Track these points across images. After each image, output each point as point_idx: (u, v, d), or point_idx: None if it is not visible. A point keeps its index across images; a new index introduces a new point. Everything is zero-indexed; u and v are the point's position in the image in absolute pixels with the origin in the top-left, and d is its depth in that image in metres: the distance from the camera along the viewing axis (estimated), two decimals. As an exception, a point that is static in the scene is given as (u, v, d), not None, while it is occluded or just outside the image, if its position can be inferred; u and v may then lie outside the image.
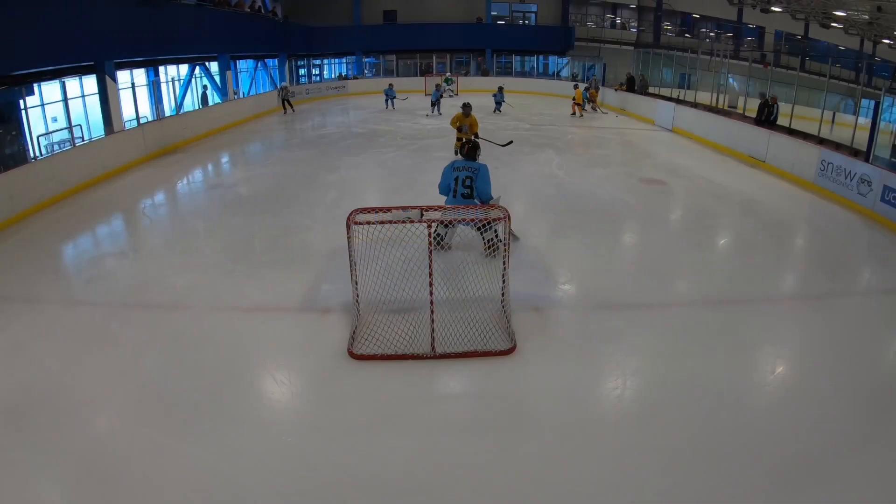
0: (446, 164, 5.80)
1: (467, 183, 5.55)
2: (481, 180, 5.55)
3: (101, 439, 3.33)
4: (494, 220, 4.22)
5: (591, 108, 17.88)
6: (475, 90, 23.08)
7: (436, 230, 5.39)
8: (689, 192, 8.77)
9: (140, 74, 13.98)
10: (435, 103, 17.12)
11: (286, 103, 17.58)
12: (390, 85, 19.10)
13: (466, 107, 10.06)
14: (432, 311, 4.07)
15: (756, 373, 4.02)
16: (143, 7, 11.93)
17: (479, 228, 5.27)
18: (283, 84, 19.48)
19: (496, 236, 5.20)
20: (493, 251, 5.25)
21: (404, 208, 4.15)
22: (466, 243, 5.94)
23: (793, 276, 5.92)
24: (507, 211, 4.21)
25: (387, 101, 18.67)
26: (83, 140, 11.13)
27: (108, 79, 11.13)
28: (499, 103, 17.56)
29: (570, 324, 4.61)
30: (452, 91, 22.20)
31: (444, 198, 5.74)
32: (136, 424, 3.44)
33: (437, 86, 18.15)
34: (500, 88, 17.67)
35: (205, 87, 17.15)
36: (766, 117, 11.17)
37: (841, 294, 5.35)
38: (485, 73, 25.31)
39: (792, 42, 21.76)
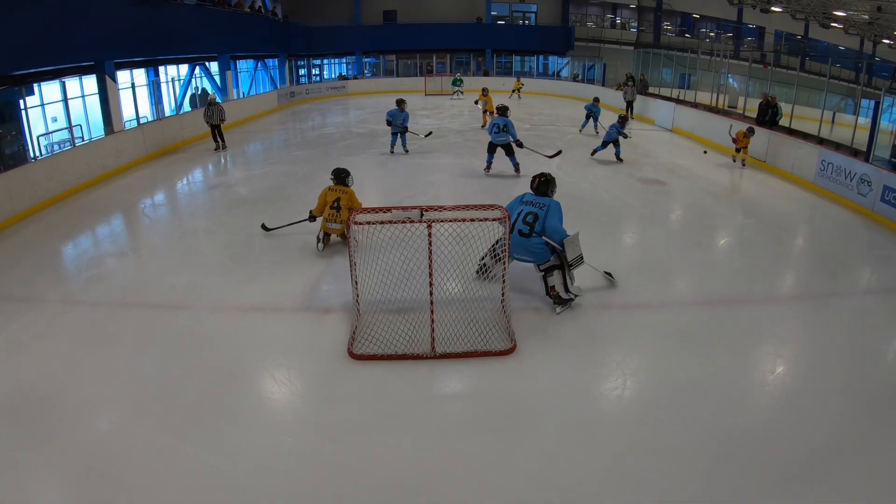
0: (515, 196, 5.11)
1: (528, 220, 4.78)
2: (551, 217, 4.76)
3: (101, 439, 3.33)
4: (493, 219, 4.21)
5: (739, 160, 10.41)
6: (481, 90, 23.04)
7: (483, 260, 5.06)
8: (689, 192, 8.76)
9: (140, 74, 13.98)
10: (510, 150, 9.07)
11: (216, 132, 11.68)
12: (400, 104, 10.63)
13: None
14: (432, 311, 4.07)
15: (756, 373, 4.02)
16: (143, 7, 11.94)
17: (542, 271, 4.77)
18: (212, 97, 12.14)
19: (564, 286, 4.71)
20: (559, 303, 4.72)
21: (404, 208, 4.15)
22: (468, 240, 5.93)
23: (793, 276, 5.92)
24: (507, 213, 4.21)
25: (396, 137, 10.94)
26: (83, 140, 11.12)
27: (108, 79, 11.13)
28: (591, 117, 13.31)
29: (570, 324, 4.61)
30: (461, 93, 21.65)
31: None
32: (135, 424, 3.44)
33: (501, 111, 9.49)
34: (596, 99, 13.76)
35: (195, 88, 16.98)
36: (769, 118, 11.17)
37: (841, 294, 5.36)
38: (486, 73, 25.31)
39: (792, 42, 21.78)
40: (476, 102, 14.60)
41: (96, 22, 10.54)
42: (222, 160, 11.38)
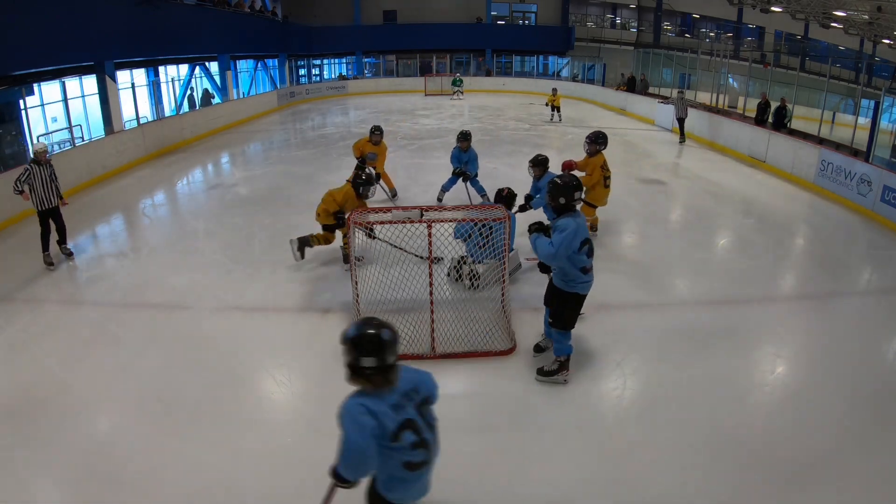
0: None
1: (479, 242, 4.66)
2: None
3: (102, 439, 3.33)
4: (495, 219, 4.22)
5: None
6: (481, 90, 23.02)
7: (456, 265, 5.19)
8: (689, 192, 8.77)
9: (140, 74, 13.97)
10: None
11: (51, 220, 5.86)
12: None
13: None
14: (432, 311, 4.07)
15: (756, 373, 4.02)
16: (142, 7, 11.93)
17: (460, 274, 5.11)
18: (39, 148, 5.75)
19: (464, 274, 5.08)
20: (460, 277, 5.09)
21: (404, 208, 4.15)
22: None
23: (793, 276, 5.91)
24: (506, 211, 4.21)
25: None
26: (83, 140, 11.12)
27: (108, 79, 11.13)
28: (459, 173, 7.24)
29: (570, 324, 4.60)
30: (461, 93, 21.52)
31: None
32: (136, 424, 3.44)
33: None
34: (465, 136, 7.14)
35: (193, 89, 16.90)
36: (777, 120, 11.17)
37: (841, 294, 5.35)
38: (487, 73, 25.30)
39: (792, 42, 21.78)
40: None
41: (96, 22, 10.54)
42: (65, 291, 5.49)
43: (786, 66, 17.43)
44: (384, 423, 2.02)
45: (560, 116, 15.70)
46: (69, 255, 6.12)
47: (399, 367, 2.15)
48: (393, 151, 11.33)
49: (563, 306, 3.63)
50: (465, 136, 7.12)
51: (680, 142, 12.53)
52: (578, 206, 3.50)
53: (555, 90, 16.08)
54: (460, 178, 7.27)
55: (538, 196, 5.70)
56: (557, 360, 3.79)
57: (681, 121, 12.45)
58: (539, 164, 5.71)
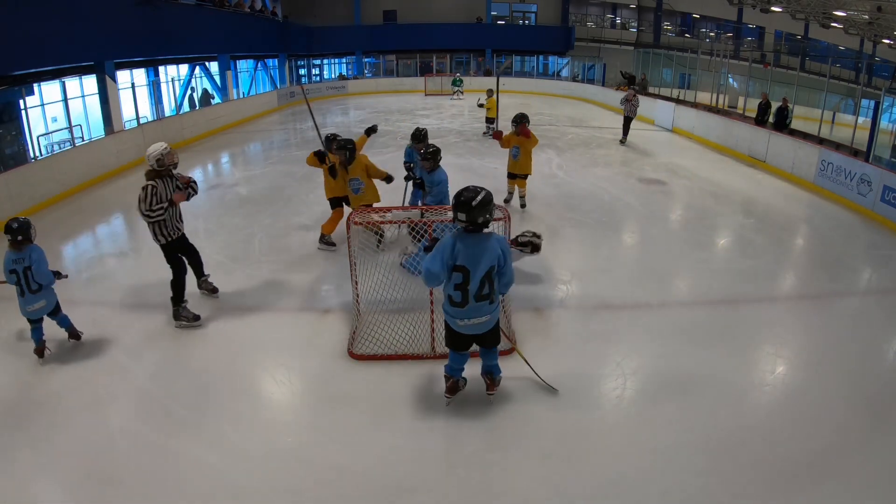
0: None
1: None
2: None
3: (102, 439, 3.33)
4: (495, 219, 4.21)
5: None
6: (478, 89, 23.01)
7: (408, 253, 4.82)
8: (689, 192, 8.76)
9: (140, 74, 13.98)
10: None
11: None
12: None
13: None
14: (432, 311, 4.07)
15: (756, 373, 4.02)
16: (143, 7, 11.94)
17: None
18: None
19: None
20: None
21: (404, 208, 4.15)
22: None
23: (793, 276, 5.91)
24: (507, 211, 4.21)
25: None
26: (83, 140, 11.13)
27: (108, 79, 11.14)
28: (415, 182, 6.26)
29: (570, 324, 4.61)
30: (461, 93, 21.42)
31: None
32: (136, 424, 3.44)
33: None
34: (420, 136, 6.29)
35: (193, 89, 16.95)
36: (779, 120, 11.18)
37: (841, 294, 5.35)
38: (487, 73, 25.30)
39: (792, 42, 21.79)
40: None
41: (96, 22, 10.55)
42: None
43: (786, 66, 17.45)
44: (7, 265, 3.94)
45: (490, 127, 11.73)
46: (213, 290, 4.89)
47: (19, 244, 3.90)
48: (393, 151, 11.35)
49: (445, 324, 3.32)
50: (419, 136, 6.08)
51: (621, 142, 12.20)
52: (487, 225, 3.13)
53: (490, 92, 11.65)
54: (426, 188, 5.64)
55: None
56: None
57: (628, 120, 12.02)
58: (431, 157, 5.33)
